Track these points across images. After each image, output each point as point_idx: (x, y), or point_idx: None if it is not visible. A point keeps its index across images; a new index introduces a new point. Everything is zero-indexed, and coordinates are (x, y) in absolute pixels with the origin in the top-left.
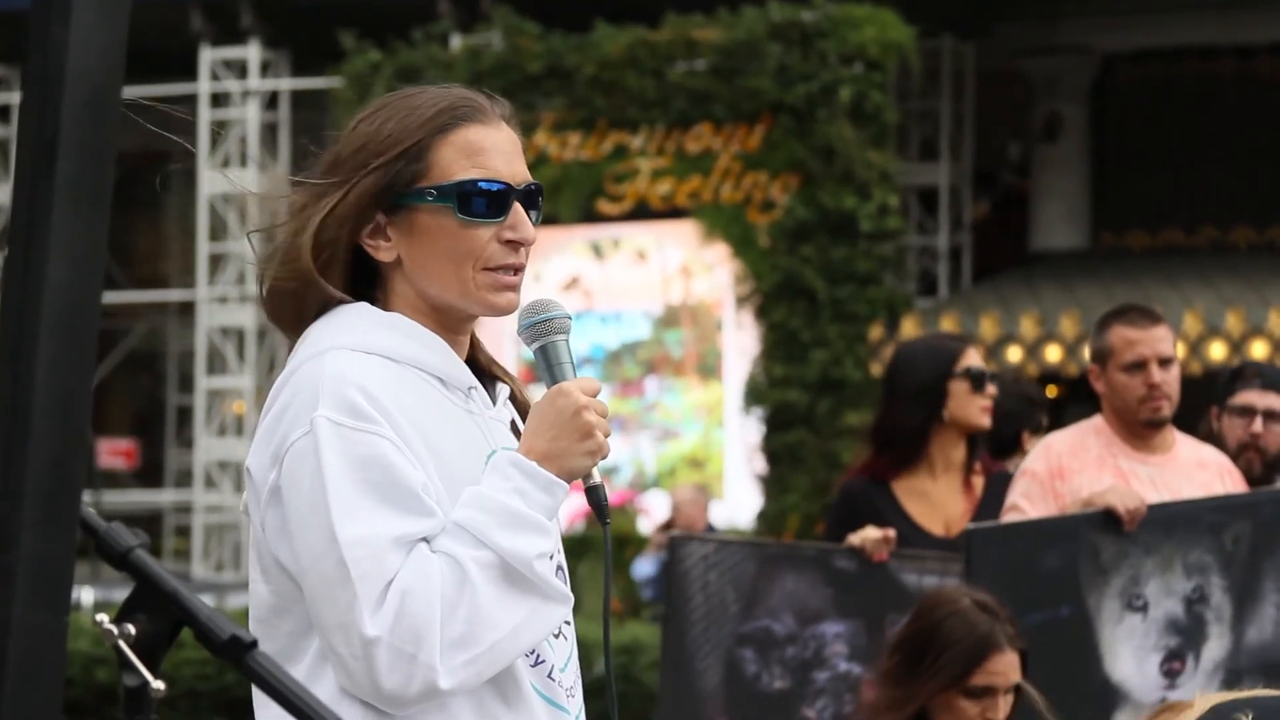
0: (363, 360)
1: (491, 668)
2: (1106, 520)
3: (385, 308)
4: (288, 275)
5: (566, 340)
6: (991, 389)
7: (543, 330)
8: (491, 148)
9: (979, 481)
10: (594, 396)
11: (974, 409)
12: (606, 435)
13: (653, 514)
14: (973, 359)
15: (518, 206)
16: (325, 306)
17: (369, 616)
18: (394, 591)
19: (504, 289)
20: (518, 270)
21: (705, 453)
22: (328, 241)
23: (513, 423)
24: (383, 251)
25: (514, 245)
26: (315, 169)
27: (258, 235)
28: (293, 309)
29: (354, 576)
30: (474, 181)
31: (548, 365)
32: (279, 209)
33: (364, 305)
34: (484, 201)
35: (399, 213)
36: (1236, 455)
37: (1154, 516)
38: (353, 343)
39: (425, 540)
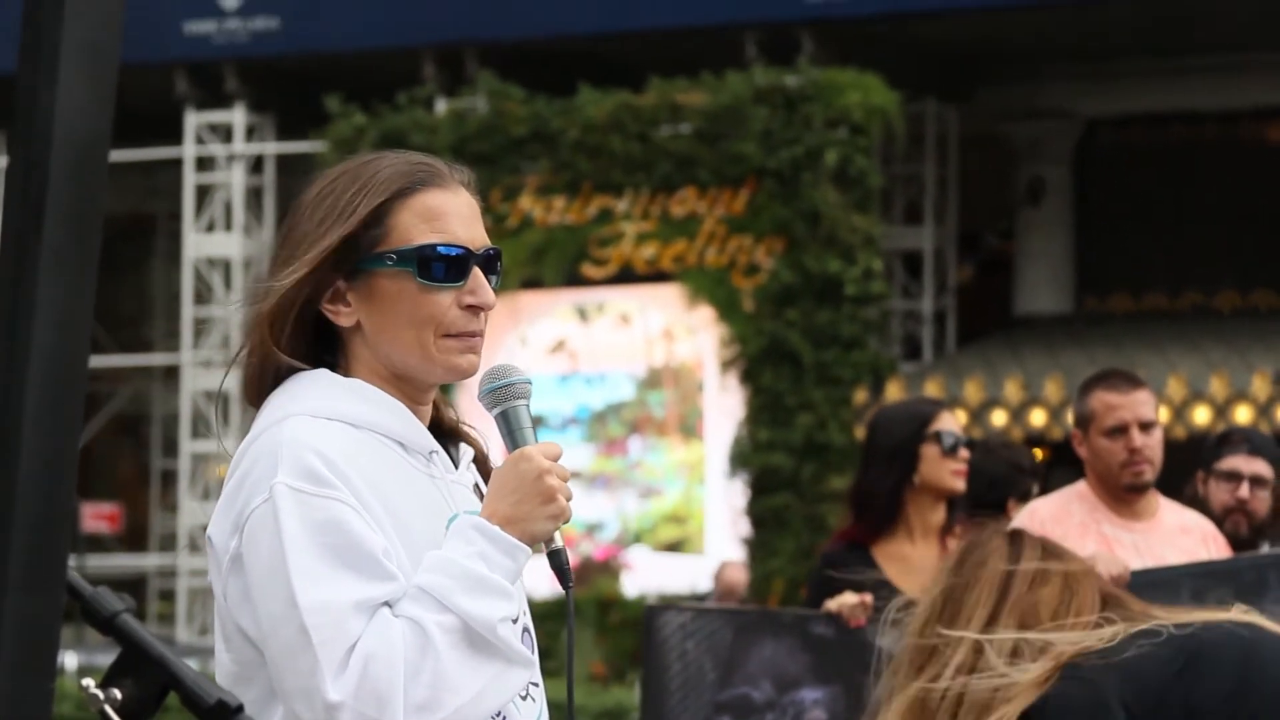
0: (322, 426)
1: None
2: None
3: (345, 373)
4: (250, 348)
5: (527, 405)
6: (964, 453)
7: (503, 395)
8: (451, 212)
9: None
10: (555, 460)
11: (945, 473)
12: (569, 499)
13: (635, 569)
14: (945, 423)
15: (477, 271)
16: (284, 374)
17: (331, 682)
18: (357, 656)
19: (466, 351)
20: (475, 335)
21: (686, 510)
22: (285, 309)
23: (475, 485)
24: (342, 317)
25: (474, 310)
26: (277, 237)
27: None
28: (256, 381)
29: (315, 642)
30: (433, 246)
31: (509, 430)
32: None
33: (323, 371)
34: (444, 266)
35: (359, 277)
36: (1222, 519)
37: (1136, 583)
38: (311, 409)
39: (387, 605)
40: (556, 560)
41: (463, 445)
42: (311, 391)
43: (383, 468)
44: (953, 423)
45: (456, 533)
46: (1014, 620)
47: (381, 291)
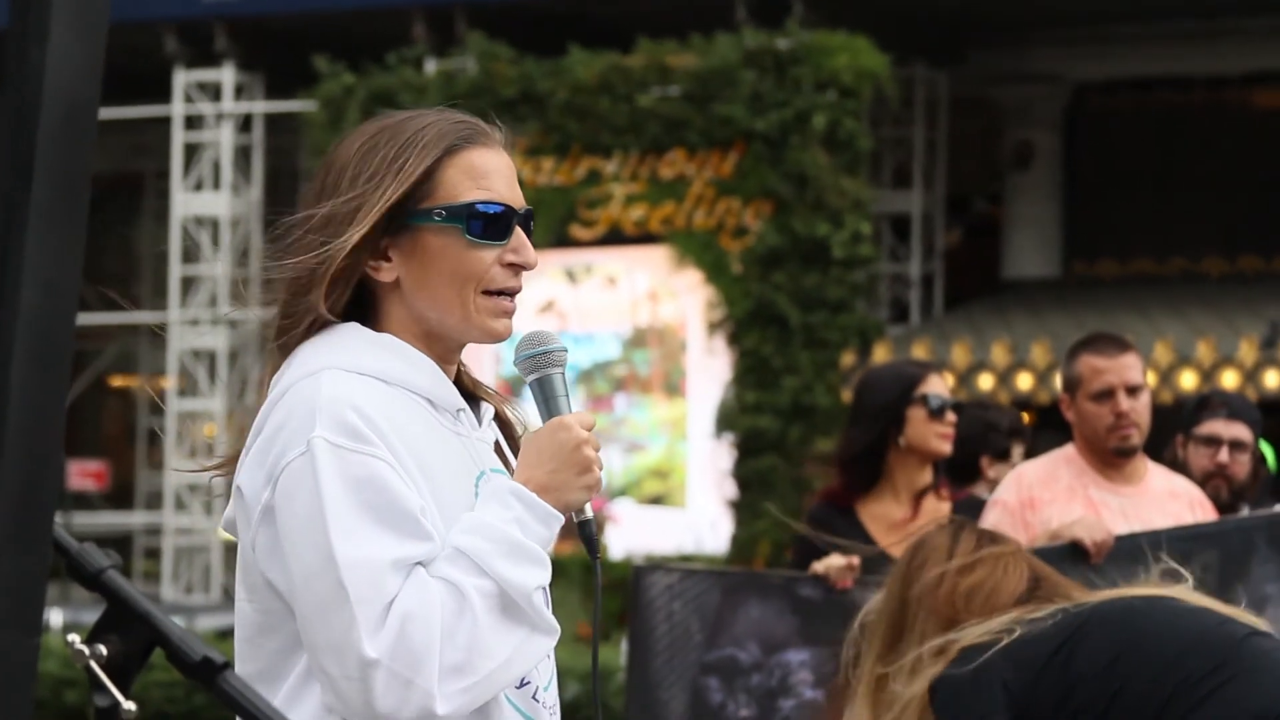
0: (357, 381)
1: (485, 696)
2: (1074, 553)
3: (376, 329)
4: (295, 302)
5: (563, 373)
6: (951, 416)
7: (542, 363)
8: (494, 170)
9: (945, 507)
10: (590, 430)
11: (931, 435)
12: (601, 469)
13: (620, 522)
14: (933, 386)
15: (519, 230)
16: (314, 327)
17: (368, 638)
18: (394, 615)
19: (502, 314)
20: (515, 295)
21: (669, 464)
22: (344, 268)
23: (497, 443)
24: (383, 272)
25: (515, 269)
26: (305, 195)
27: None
28: (287, 330)
29: (352, 598)
30: (481, 203)
31: (544, 397)
32: (288, 237)
33: (354, 326)
34: (489, 224)
35: (403, 234)
36: (1202, 484)
37: (1121, 548)
38: (345, 363)
39: (421, 564)
40: (586, 530)
41: (483, 403)
42: (344, 346)
43: (414, 425)
44: (941, 386)
45: (493, 496)
46: (939, 621)
47: (426, 247)
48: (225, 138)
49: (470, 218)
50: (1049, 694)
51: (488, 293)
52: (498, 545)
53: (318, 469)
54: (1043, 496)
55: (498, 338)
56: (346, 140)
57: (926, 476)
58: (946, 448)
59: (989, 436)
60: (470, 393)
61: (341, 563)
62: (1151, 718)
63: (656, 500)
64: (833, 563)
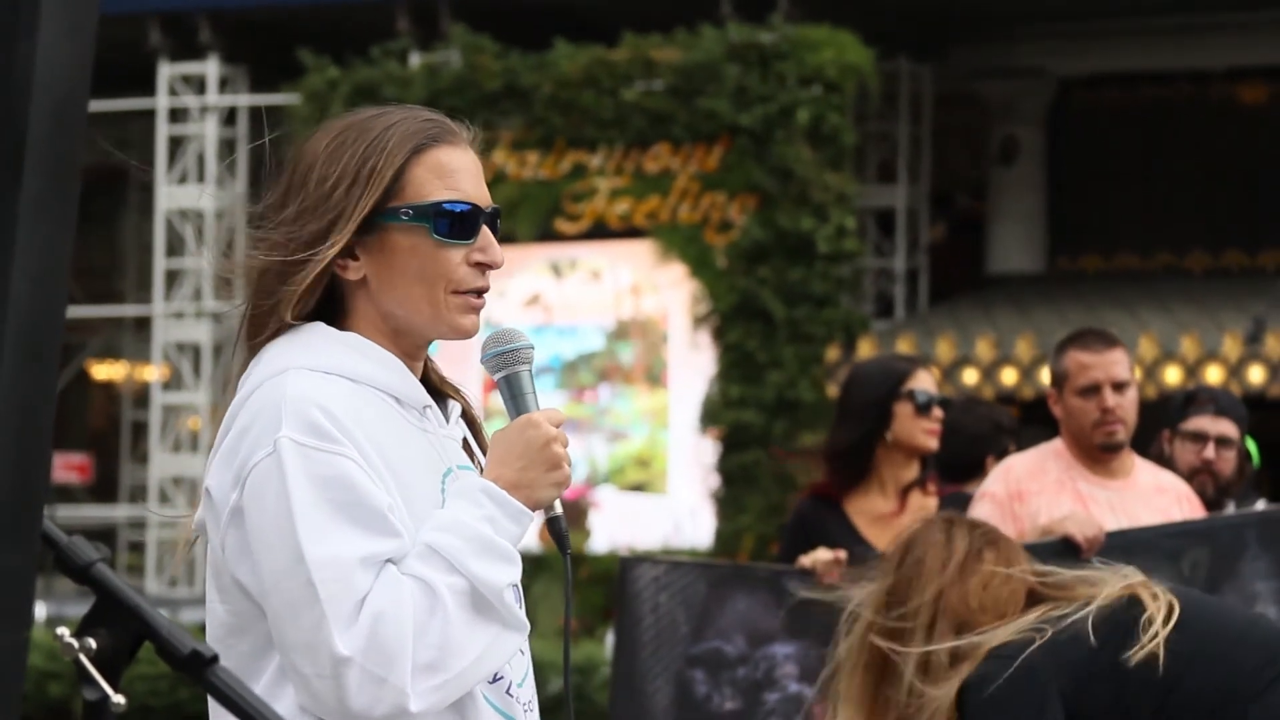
0: (323, 380)
1: (457, 693)
2: (1065, 548)
3: (343, 327)
4: (263, 303)
5: (530, 370)
6: (938, 412)
7: (509, 360)
8: (461, 169)
9: (931, 503)
10: (558, 427)
11: (917, 431)
12: (570, 466)
13: (602, 508)
14: (921, 381)
15: (486, 229)
16: (281, 327)
17: (339, 635)
18: (366, 613)
19: (470, 311)
20: (482, 293)
21: (651, 453)
22: (323, 271)
23: (465, 440)
24: (350, 271)
25: (481, 268)
26: (273, 192)
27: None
28: (256, 330)
29: (322, 597)
30: (448, 203)
31: (512, 394)
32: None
33: (319, 325)
34: (456, 222)
35: (370, 232)
36: (1189, 479)
37: (1112, 544)
38: (311, 363)
39: (391, 561)
40: (555, 526)
41: (449, 400)
42: (310, 345)
43: (381, 423)
44: (928, 381)
45: (463, 493)
46: (951, 621)
47: (393, 246)
48: (210, 131)
49: (437, 216)
50: (1103, 692)
51: (457, 292)
52: (470, 543)
53: (285, 469)
54: (1031, 489)
55: (466, 334)
56: (314, 137)
57: (913, 471)
58: (933, 443)
59: (996, 436)
60: (437, 390)
61: (311, 562)
62: (1210, 710)
63: (638, 487)
64: (819, 556)
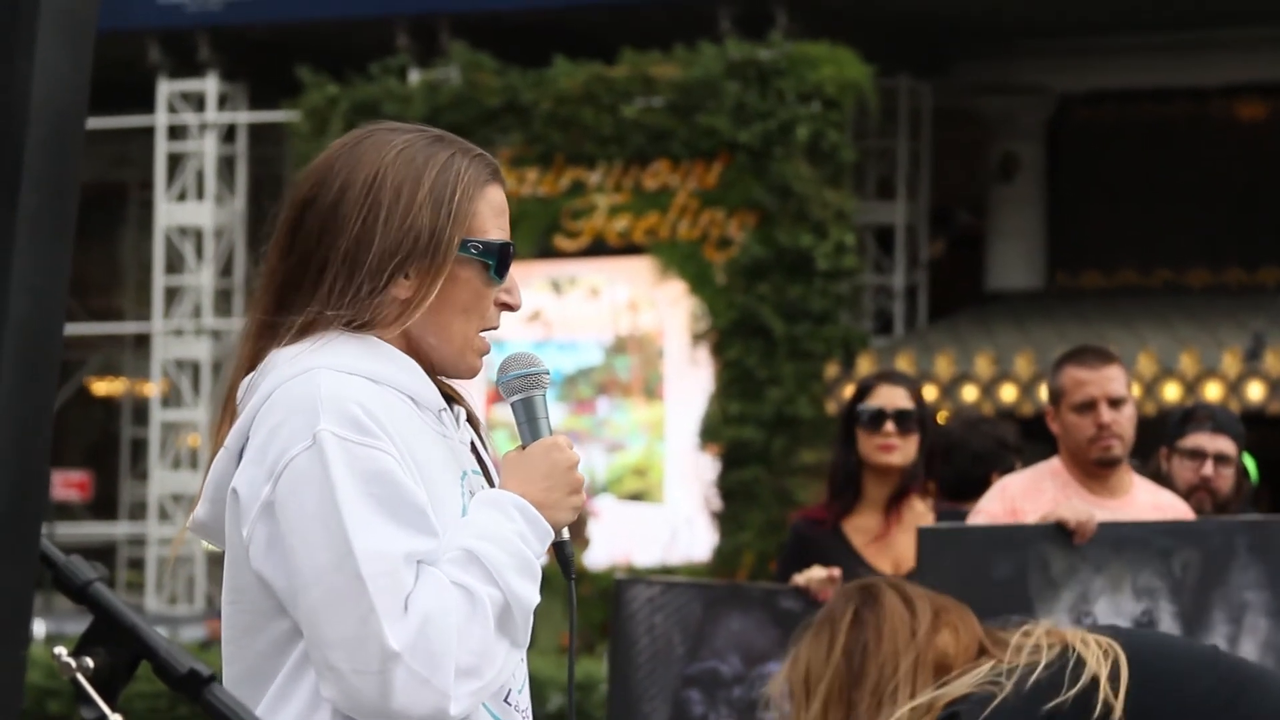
0: (350, 379)
1: (484, 699)
2: (1058, 533)
3: (360, 330)
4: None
5: (544, 395)
6: (889, 426)
7: (529, 383)
8: (506, 210)
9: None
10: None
11: (870, 448)
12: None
13: (601, 517)
14: (875, 397)
15: (513, 271)
16: (303, 331)
17: (389, 629)
18: (415, 612)
19: (484, 353)
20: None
21: (648, 463)
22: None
23: (472, 444)
24: (401, 289)
25: (503, 309)
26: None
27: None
28: (266, 334)
29: (371, 590)
30: (507, 244)
31: (528, 418)
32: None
33: (335, 328)
34: (503, 264)
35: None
36: (1187, 496)
37: (1104, 535)
38: (334, 364)
39: (424, 561)
40: (563, 552)
41: (455, 405)
42: (330, 348)
43: (407, 423)
44: (885, 396)
45: (494, 505)
46: (931, 672)
47: (452, 276)
48: (209, 148)
49: (501, 256)
50: None
51: (482, 330)
52: (513, 559)
53: (327, 461)
54: (1026, 507)
55: (473, 374)
56: (367, 153)
57: (889, 488)
58: (885, 459)
59: (1001, 454)
60: (444, 394)
61: (360, 554)
62: None
63: (636, 496)
64: (814, 574)
